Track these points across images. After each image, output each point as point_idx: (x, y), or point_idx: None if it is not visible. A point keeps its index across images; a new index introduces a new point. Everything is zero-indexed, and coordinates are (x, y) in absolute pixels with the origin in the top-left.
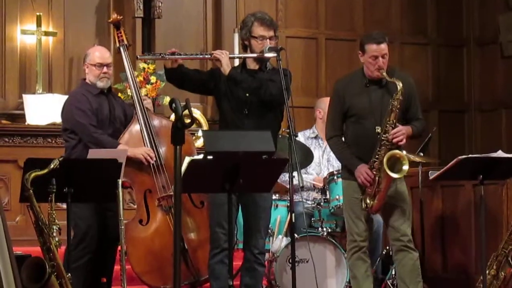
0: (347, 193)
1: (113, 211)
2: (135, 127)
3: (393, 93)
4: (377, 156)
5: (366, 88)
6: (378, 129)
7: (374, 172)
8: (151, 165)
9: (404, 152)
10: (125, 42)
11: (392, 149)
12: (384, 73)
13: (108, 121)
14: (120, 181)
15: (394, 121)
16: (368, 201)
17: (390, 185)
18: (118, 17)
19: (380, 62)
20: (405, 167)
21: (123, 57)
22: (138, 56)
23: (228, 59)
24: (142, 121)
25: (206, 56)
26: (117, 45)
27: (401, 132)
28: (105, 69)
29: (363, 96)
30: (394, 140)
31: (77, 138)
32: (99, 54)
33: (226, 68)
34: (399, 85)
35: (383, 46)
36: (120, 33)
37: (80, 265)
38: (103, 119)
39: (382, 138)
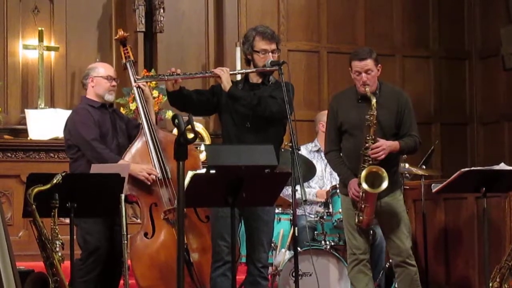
0: (344, 207)
1: (119, 225)
2: (141, 142)
3: (384, 108)
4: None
5: (358, 104)
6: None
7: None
8: (158, 179)
9: (407, 165)
10: (131, 58)
11: (373, 164)
12: (367, 89)
13: (111, 134)
14: (123, 196)
15: (374, 136)
16: (359, 216)
17: (375, 200)
18: (125, 34)
19: (363, 77)
20: (384, 183)
21: (130, 72)
22: (136, 80)
23: (228, 76)
24: (148, 136)
25: (207, 74)
26: (124, 61)
27: (380, 147)
28: (114, 82)
29: (354, 111)
30: (373, 156)
31: (80, 153)
32: (108, 67)
33: (226, 85)
34: (373, 100)
35: (365, 62)
36: (127, 49)
37: (90, 278)
38: (105, 132)
39: (364, 153)
